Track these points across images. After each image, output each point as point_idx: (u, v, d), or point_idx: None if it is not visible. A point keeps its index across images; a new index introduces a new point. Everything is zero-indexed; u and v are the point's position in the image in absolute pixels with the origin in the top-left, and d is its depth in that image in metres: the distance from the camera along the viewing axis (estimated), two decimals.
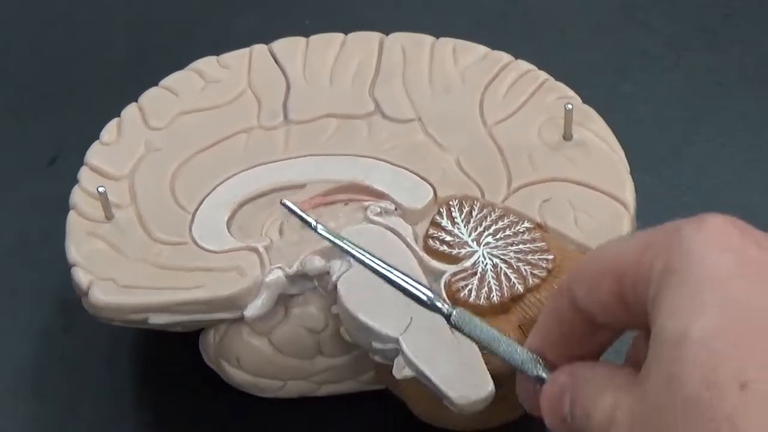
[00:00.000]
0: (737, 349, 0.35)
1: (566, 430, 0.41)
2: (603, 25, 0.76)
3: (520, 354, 0.43)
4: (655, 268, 0.37)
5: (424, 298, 0.47)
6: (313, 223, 0.52)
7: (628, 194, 0.56)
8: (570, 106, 0.57)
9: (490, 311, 0.52)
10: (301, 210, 0.54)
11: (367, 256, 0.49)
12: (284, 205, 0.54)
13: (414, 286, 0.47)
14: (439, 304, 0.46)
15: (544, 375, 0.42)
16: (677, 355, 0.35)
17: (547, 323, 0.43)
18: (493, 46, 0.62)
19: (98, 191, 0.55)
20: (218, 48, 0.63)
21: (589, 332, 0.42)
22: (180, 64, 0.63)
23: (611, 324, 0.41)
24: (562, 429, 0.41)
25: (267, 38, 0.63)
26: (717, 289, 0.36)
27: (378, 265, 0.49)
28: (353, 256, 0.50)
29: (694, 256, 0.37)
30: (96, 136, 0.60)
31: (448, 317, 0.45)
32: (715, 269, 0.36)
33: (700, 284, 0.36)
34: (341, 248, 0.51)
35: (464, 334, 0.45)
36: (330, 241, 0.51)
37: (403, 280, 0.48)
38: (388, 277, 0.48)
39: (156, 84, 0.62)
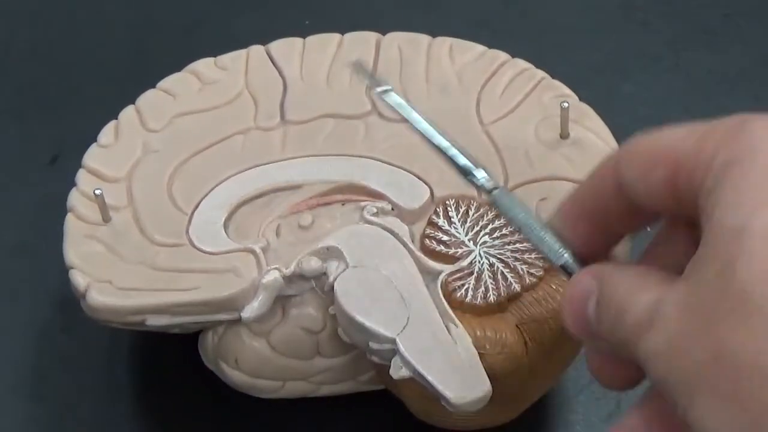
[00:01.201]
0: None
1: (588, 336, 0.40)
2: (603, 25, 0.76)
3: (550, 242, 0.42)
4: (717, 159, 0.36)
5: (469, 168, 0.45)
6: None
7: None
8: (566, 104, 0.57)
9: (487, 311, 0.52)
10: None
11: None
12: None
13: (459, 156, 0.45)
14: (480, 179, 0.45)
15: (569, 261, 0.41)
16: (736, 248, 0.34)
17: (584, 195, 0.41)
18: (493, 46, 0.62)
19: (95, 194, 0.55)
20: (219, 48, 0.63)
21: (624, 213, 0.40)
22: (181, 64, 0.63)
23: (654, 209, 0.39)
24: (584, 334, 0.40)
25: (267, 39, 0.63)
26: None
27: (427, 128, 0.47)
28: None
29: (760, 148, 0.35)
30: (96, 136, 0.60)
31: (489, 192, 0.44)
32: None
33: (764, 177, 0.35)
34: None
35: (500, 213, 0.44)
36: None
37: (449, 148, 0.46)
38: (433, 143, 0.46)
39: (156, 84, 0.62)
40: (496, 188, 0.44)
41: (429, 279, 0.53)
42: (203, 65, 0.62)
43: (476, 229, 0.54)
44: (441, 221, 0.54)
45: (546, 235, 0.42)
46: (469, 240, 0.54)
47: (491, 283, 0.52)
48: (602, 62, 0.74)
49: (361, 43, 0.62)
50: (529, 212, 0.44)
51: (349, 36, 0.63)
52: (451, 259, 0.53)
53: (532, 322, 0.52)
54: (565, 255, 0.42)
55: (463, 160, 0.45)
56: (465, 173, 0.45)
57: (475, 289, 0.52)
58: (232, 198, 0.57)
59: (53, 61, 0.76)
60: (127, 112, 0.60)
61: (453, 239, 0.54)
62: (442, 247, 0.54)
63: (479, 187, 0.45)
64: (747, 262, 0.34)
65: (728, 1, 0.77)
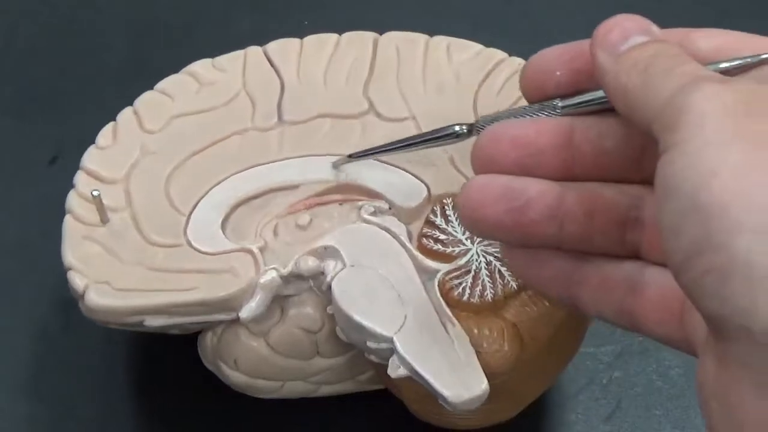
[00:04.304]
0: None
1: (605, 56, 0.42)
2: (599, 23, 0.76)
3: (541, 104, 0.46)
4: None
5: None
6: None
7: None
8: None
9: (484, 309, 0.52)
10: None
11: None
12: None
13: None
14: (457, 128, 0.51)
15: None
16: None
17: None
18: (490, 45, 0.62)
19: (92, 195, 0.55)
20: (217, 49, 0.63)
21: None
22: (181, 64, 0.63)
23: None
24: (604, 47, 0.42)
25: (266, 39, 0.63)
26: None
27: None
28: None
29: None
30: (96, 136, 0.60)
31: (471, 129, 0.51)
32: None
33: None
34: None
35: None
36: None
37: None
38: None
39: (155, 84, 0.62)
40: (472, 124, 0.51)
41: (426, 278, 0.53)
42: (201, 66, 0.62)
43: None
44: (438, 220, 0.55)
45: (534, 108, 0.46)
46: (466, 239, 0.54)
47: (488, 282, 0.52)
48: None
49: (359, 43, 0.62)
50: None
51: (346, 36, 0.62)
52: (449, 258, 0.53)
53: (529, 321, 0.52)
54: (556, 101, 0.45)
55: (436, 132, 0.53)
56: (446, 134, 0.52)
57: (473, 287, 0.52)
58: (229, 198, 0.57)
59: (53, 61, 0.76)
60: (125, 114, 0.60)
61: (450, 238, 0.54)
62: (440, 246, 0.54)
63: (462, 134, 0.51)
64: None
65: (727, 1, 0.77)
